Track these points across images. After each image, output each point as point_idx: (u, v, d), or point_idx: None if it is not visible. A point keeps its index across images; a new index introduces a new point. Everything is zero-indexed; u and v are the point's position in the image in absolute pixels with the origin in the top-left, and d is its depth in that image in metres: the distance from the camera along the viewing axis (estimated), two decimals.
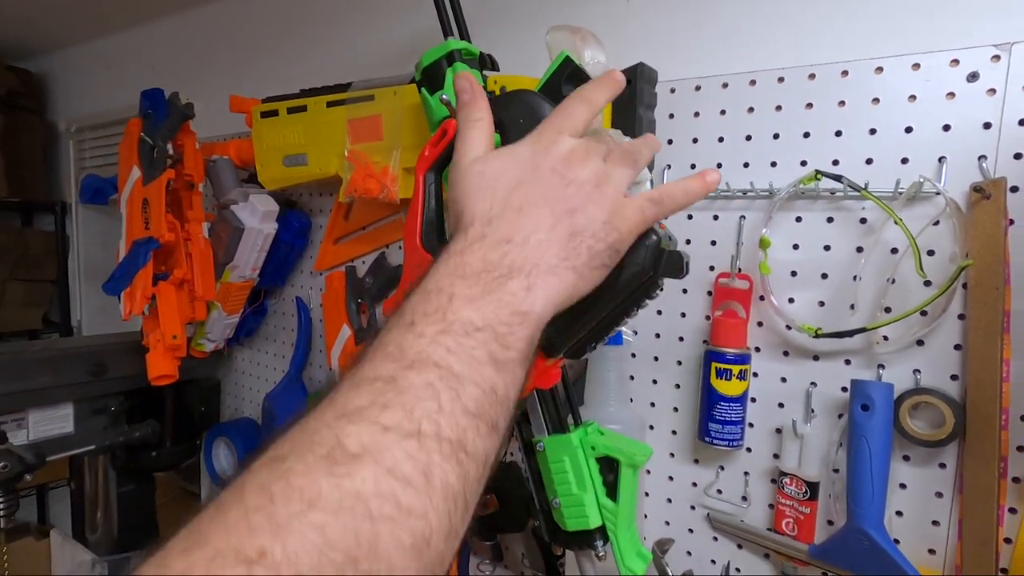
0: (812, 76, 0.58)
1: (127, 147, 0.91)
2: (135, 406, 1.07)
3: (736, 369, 0.60)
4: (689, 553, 0.68)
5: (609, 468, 0.53)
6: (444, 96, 0.50)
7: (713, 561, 0.66)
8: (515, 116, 0.47)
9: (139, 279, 0.84)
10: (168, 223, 0.84)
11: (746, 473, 0.64)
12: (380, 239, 0.92)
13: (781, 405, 0.61)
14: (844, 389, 0.58)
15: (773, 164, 0.60)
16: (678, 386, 0.68)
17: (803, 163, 0.59)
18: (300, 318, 1.02)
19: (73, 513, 1.22)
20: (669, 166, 0.65)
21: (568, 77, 0.53)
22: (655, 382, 0.69)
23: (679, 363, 0.67)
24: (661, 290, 0.43)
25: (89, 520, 1.09)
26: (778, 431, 0.62)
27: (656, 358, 0.69)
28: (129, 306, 0.85)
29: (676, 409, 0.68)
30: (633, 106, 0.58)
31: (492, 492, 0.77)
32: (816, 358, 0.59)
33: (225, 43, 1.21)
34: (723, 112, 0.62)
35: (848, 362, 0.58)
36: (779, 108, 0.59)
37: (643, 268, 0.41)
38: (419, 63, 0.61)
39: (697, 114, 0.64)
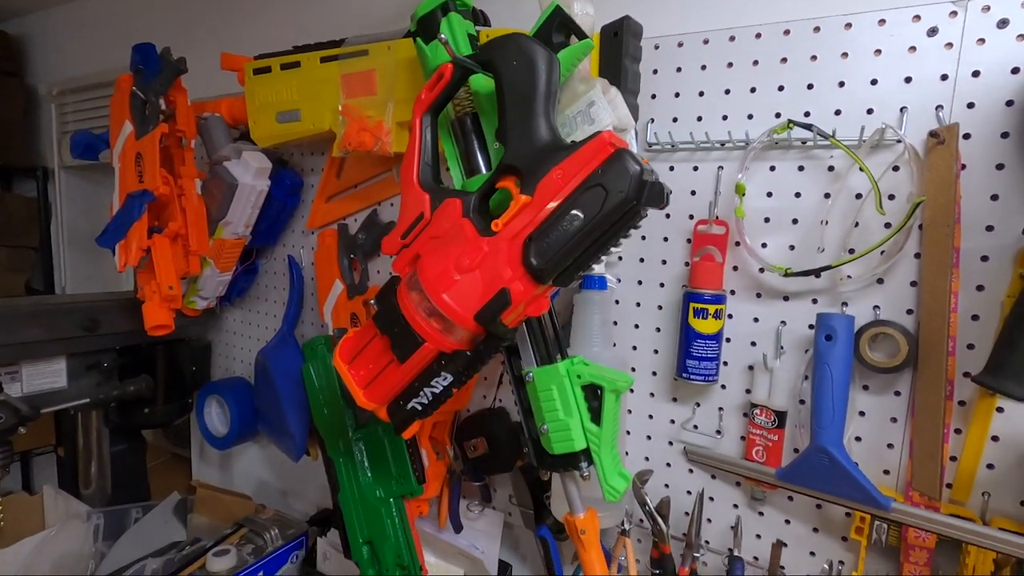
0: (787, 32, 0.61)
1: (118, 102, 0.91)
2: (127, 364, 1.08)
3: (712, 309, 0.64)
4: (667, 485, 0.73)
5: (593, 395, 0.57)
6: (443, 36, 0.53)
7: (688, 492, 0.71)
8: (509, 57, 0.50)
9: (134, 231, 0.85)
10: (162, 176, 0.85)
11: (720, 408, 0.68)
12: (372, 196, 0.94)
13: (753, 344, 0.66)
14: (811, 327, 0.62)
15: (750, 116, 0.64)
16: (658, 330, 0.72)
17: (777, 115, 0.62)
18: (292, 276, 1.04)
19: (63, 471, 1.24)
20: (652, 120, 0.68)
21: (558, 26, 0.56)
22: (637, 327, 0.73)
23: (660, 308, 0.71)
24: (644, 217, 0.47)
25: (83, 475, 1.11)
26: (750, 368, 0.66)
27: (638, 304, 0.73)
28: (124, 258, 0.86)
29: (656, 351, 0.72)
30: (619, 57, 0.61)
31: (482, 436, 0.81)
32: (786, 298, 0.64)
33: (210, 3, 1.21)
34: (704, 67, 0.66)
35: (815, 301, 0.62)
36: (756, 63, 0.63)
37: (627, 196, 0.44)
38: (414, 14, 0.63)
39: (679, 69, 0.67)
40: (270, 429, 1.02)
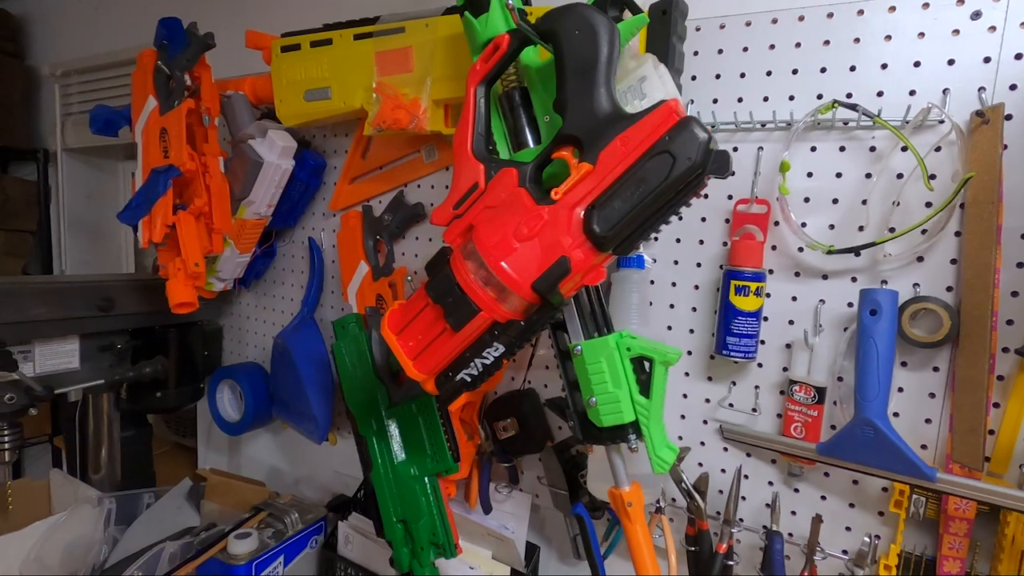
0: (830, 15, 0.62)
1: (141, 77, 0.90)
2: (139, 347, 1.07)
3: (753, 286, 0.65)
4: (700, 464, 0.73)
5: (641, 368, 0.57)
6: (510, 2, 0.52)
7: (723, 470, 0.72)
8: (571, 27, 0.50)
9: (159, 207, 0.84)
10: (188, 152, 0.84)
11: (756, 387, 0.69)
12: (398, 178, 0.93)
13: (791, 322, 0.67)
14: (850, 305, 0.63)
15: (791, 98, 0.65)
16: (694, 309, 0.72)
17: (819, 96, 0.64)
18: (313, 258, 1.03)
19: (70, 456, 1.21)
20: (692, 100, 0.69)
21: (613, 0, 0.56)
22: (672, 306, 0.74)
23: (696, 287, 0.72)
24: (706, 186, 0.47)
25: (92, 460, 1.08)
26: (788, 346, 0.67)
27: (674, 284, 0.73)
28: (148, 234, 0.85)
29: (692, 331, 0.73)
30: (667, 36, 0.62)
31: (513, 416, 0.81)
32: (825, 277, 0.65)
33: None
34: (745, 49, 0.67)
35: (854, 279, 0.63)
36: (798, 45, 0.64)
37: (695, 163, 0.45)
38: None
39: (721, 51, 0.68)
40: (289, 413, 1.01)
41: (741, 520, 0.71)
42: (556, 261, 0.50)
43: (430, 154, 0.90)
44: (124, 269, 1.74)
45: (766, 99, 0.66)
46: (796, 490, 0.68)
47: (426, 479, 0.73)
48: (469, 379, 0.57)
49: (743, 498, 0.71)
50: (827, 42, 0.63)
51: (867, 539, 0.61)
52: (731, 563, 0.67)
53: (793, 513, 0.68)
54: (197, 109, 0.90)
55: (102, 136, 0.95)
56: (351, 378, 0.78)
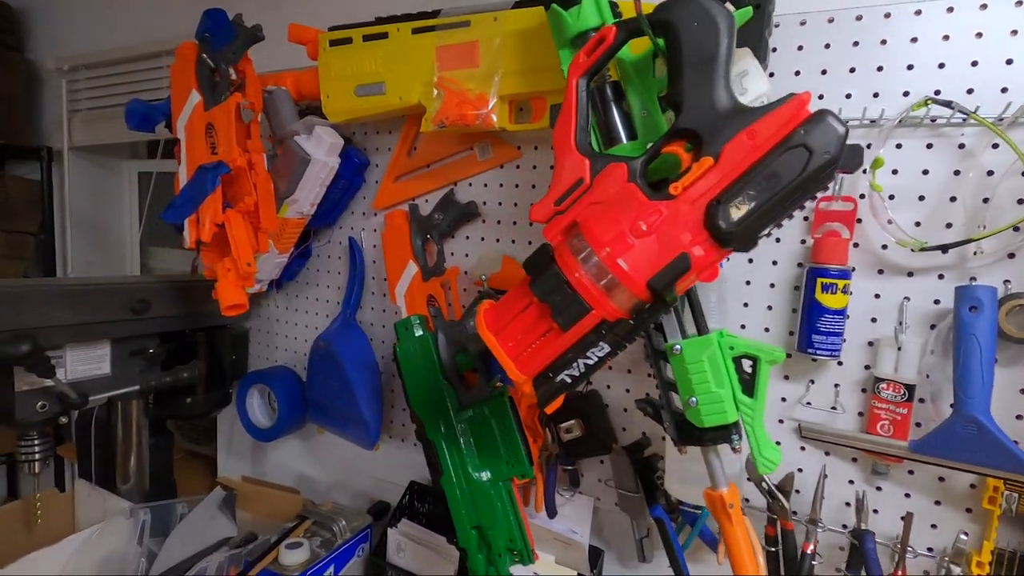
0: (918, 12, 0.62)
1: (182, 71, 0.87)
2: (170, 351, 1.02)
3: (841, 284, 0.64)
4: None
5: (742, 367, 0.56)
6: None
7: (800, 469, 0.71)
8: (690, 18, 0.49)
9: (207, 205, 0.81)
10: (239, 148, 0.81)
11: (836, 385, 0.69)
12: (448, 176, 0.91)
13: (874, 320, 0.66)
14: (936, 302, 0.63)
15: (875, 95, 0.65)
16: (770, 307, 0.72)
17: (905, 94, 0.63)
18: (354, 258, 1.00)
19: (83, 465, 1.16)
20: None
21: None
22: (746, 305, 0.73)
23: (772, 286, 0.71)
24: (833, 179, 0.47)
25: (121, 470, 1.04)
26: (870, 344, 0.67)
27: (748, 282, 0.73)
28: (195, 233, 0.82)
29: (767, 329, 0.72)
30: (760, 30, 0.61)
31: (578, 418, 0.80)
32: (910, 274, 0.65)
33: None
34: (828, 46, 0.66)
35: (941, 276, 0.63)
36: (884, 42, 0.64)
37: (833, 157, 0.44)
38: None
39: (801, 48, 0.68)
40: (331, 418, 0.98)
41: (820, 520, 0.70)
42: (676, 258, 0.49)
43: (484, 151, 0.88)
44: (129, 271, 1.68)
45: (848, 96, 0.66)
46: (879, 488, 0.68)
47: (500, 484, 0.71)
48: (570, 380, 0.56)
49: (822, 497, 0.70)
50: (915, 39, 0.63)
51: (964, 536, 0.61)
52: (814, 563, 0.67)
53: (875, 511, 0.68)
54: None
55: (139, 132, 0.91)
56: (416, 381, 0.75)
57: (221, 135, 0.82)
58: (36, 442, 0.89)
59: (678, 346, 0.57)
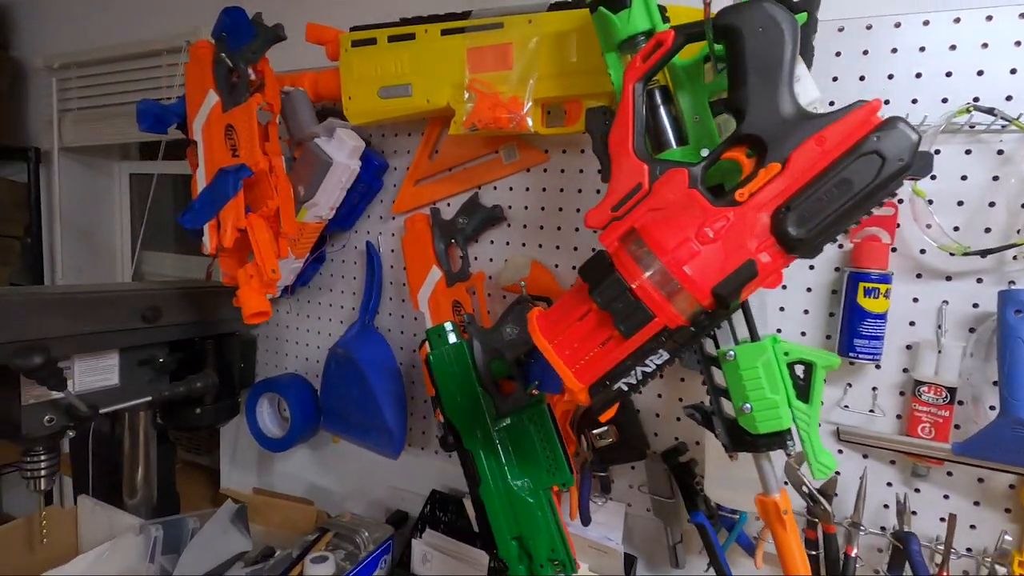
0: (957, 20, 0.63)
1: (198, 71, 0.84)
2: (179, 360, 0.99)
3: (883, 288, 0.65)
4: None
5: (797, 372, 0.56)
6: None
7: (838, 472, 0.72)
8: (755, 22, 0.49)
9: (229, 209, 0.78)
10: (262, 151, 0.79)
11: (874, 388, 0.69)
12: (472, 179, 0.90)
13: (912, 323, 0.67)
14: (975, 306, 0.64)
15: (914, 101, 0.65)
16: (807, 312, 0.72)
17: (943, 100, 0.64)
18: (373, 263, 0.98)
19: (78, 479, 1.12)
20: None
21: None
22: (782, 309, 0.73)
23: (808, 290, 0.72)
24: (900, 186, 0.47)
25: (127, 484, 1.00)
26: (908, 347, 0.68)
27: (784, 287, 0.73)
28: (215, 239, 0.79)
29: (804, 334, 0.73)
30: (809, 35, 0.62)
31: (612, 424, 0.79)
32: (948, 279, 0.65)
33: None
34: (866, 52, 0.67)
35: (980, 280, 0.64)
36: (922, 49, 0.65)
37: (906, 164, 0.44)
38: None
39: (839, 54, 0.68)
40: (350, 427, 0.96)
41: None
42: (742, 264, 0.49)
43: (510, 155, 0.87)
44: (120, 277, 1.63)
45: (887, 102, 0.67)
46: (917, 490, 0.68)
47: (541, 493, 0.70)
48: (626, 388, 0.55)
49: (864, 500, 0.71)
50: (953, 47, 0.64)
51: (1008, 536, 0.62)
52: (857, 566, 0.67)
53: (914, 513, 0.68)
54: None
55: (151, 134, 0.88)
56: (451, 389, 0.74)
57: (243, 137, 0.79)
58: (42, 457, 0.85)
59: (731, 352, 0.57)
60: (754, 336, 0.58)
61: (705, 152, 0.57)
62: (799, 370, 0.57)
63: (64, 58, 1.36)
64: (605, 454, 0.79)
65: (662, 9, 0.60)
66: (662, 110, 0.60)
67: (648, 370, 0.54)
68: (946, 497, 0.67)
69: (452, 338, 0.75)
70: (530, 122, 0.74)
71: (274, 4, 1.09)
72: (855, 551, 0.66)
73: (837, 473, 0.72)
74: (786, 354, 0.56)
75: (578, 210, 0.83)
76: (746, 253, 0.49)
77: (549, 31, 0.72)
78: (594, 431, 0.79)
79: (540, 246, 0.87)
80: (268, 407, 1.11)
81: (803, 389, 0.56)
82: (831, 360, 0.55)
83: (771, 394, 0.56)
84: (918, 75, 0.65)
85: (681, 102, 0.59)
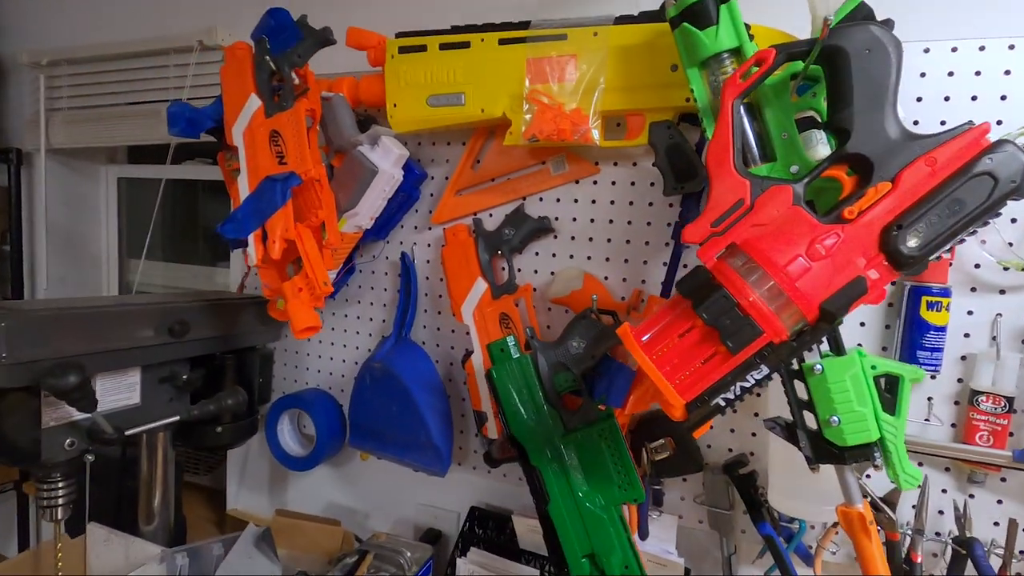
0: (1011, 47, 0.66)
1: (237, 73, 0.80)
2: (202, 377, 0.94)
3: (945, 302, 0.67)
4: (868, 476, 0.75)
5: (884, 386, 0.57)
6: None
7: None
8: (863, 44, 0.50)
9: (277, 219, 0.74)
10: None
11: (929, 398, 0.72)
12: (516, 190, 0.89)
13: (967, 335, 0.70)
14: None
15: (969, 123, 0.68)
16: (863, 324, 0.74)
17: (998, 122, 0.67)
18: (409, 274, 0.95)
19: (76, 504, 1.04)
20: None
21: (861, 20, 0.57)
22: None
23: None
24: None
25: (144, 509, 0.94)
26: (963, 358, 0.70)
27: None
28: (261, 250, 0.75)
29: (860, 345, 0.74)
30: None
31: (669, 436, 0.79)
32: (1002, 292, 0.68)
33: None
34: (923, 75, 0.69)
35: None
36: (978, 74, 0.67)
37: (1018, 185, 0.46)
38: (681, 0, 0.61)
39: (923, 75, 0.69)
40: (389, 445, 0.92)
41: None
42: (852, 281, 0.50)
43: (559, 166, 0.86)
44: (106, 288, 1.54)
45: (943, 123, 0.69)
46: (971, 496, 0.71)
47: (612, 509, 0.69)
48: (724, 403, 0.55)
49: (913, 506, 0.73)
50: (1008, 72, 0.67)
51: None
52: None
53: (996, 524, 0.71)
54: None
55: (183, 138, 0.83)
56: (515, 405, 0.72)
57: (291, 144, 0.76)
58: (60, 484, 0.78)
59: (819, 366, 0.57)
60: (840, 350, 0.59)
61: (794, 169, 0.58)
62: (885, 383, 0.58)
63: (54, 54, 1.28)
64: (662, 467, 0.79)
65: (746, 27, 0.61)
66: (748, 127, 0.61)
67: (747, 385, 0.54)
68: (999, 502, 0.70)
69: (515, 353, 0.73)
70: (596, 135, 0.73)
71: (305, 6, 1.06)
72: (920, 557, 0.68)
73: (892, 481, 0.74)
74: (873, 367, 0.57)
75: (629, 222, 0.83)
76: (855, 270, 0.50)
77: (615, 44, 0.72)
78: (651, 444, 0.79)
79: (589, 258, 0.86)
80: (288, 424, 1.07)
81: (889, 402, 0.57)
82: (917, 373, 0.57)
83: (859, 407, 0.56)
84: (973, 98, 0.68)
85: (768, 119, 0.60)
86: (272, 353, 1.11)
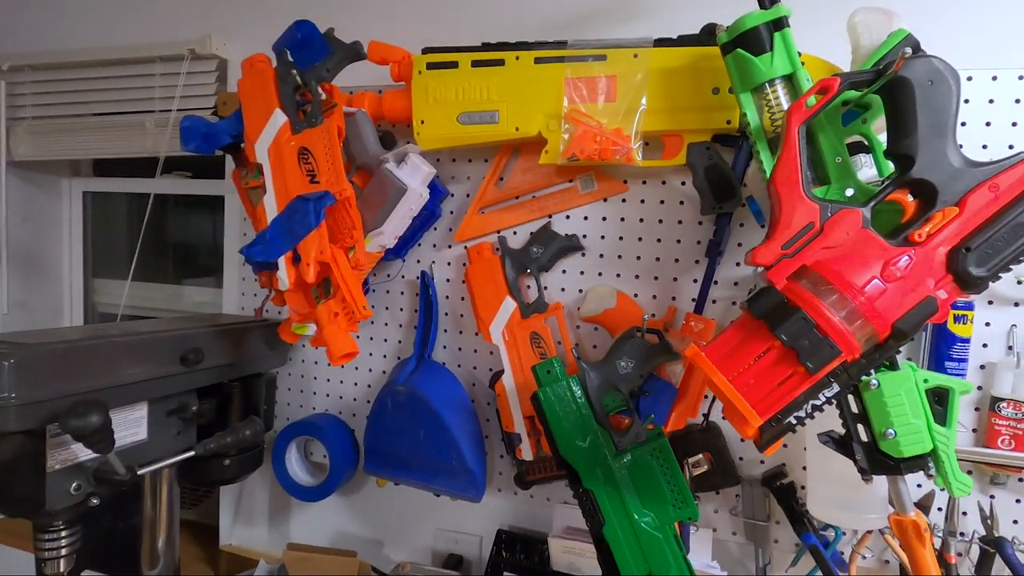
0: None
1: (258, 87, 0.76)
2: (214, 408, 0.88)
3: (970, 315, 0.71)
4: None
5: (934, 399, 0.60)
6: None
7: (919, 485, 0.77)
8: (924, 77, 0.53)
9: (311, 241, 0.71)
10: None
11: None
12: (543, 208, 0.88)
13: (985, 345, 0.74)
14: None
15: (1010, 147, 0.72)
16: None
17: (1010, 146, 0.72)
18: (430, 293, 0.93)
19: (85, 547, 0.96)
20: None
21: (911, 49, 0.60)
22: None
23: None
24: None
25: (147, 551, 0.86)
26: (982, 367, 0.75)
27: None
28: (293, 274, 0.71)
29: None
30: None
31: (706, 451, 0.80)
32: (1016, 304, 0.73)
33: None
34: (991, 101, 0.73)
35: None
36: (1018, 101, 0.71)
37: None
38: (735, 26, 0.63)
39: (967, 101, 0.72)
40: (415, 470, 0.89)
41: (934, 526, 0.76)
42: (923, 301, 0.52)
43: (587, 184, 0.86)
44: (68, 314, 1.42)
45: (984, 147, 0.73)
46: (992, 497, 0.75)
47: (667, 528, 0.69)
48: (795, 421, 0.56)
49: (939, 508, 0.77)
50: None
51: None
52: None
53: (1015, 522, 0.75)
54: None
55: (198, 153, 0.78)
56: (565, 428, 0.71)
57: (323, 161, 0.72)
58: (63, 533, 0.71)
59: (875, 381, 0.60)
60: (894, 365, 0.61)
61: (849, 192, 0.60)
62: (937, 396, 0.61)
63: (16, 59, 1.18)
64: (700, 482, 0.80)
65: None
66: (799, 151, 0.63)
67: (818, 403, 0.56)
68: (1018, 501, 0.74)
69: (562, 373, 0.73)
70: (639, 155, 0.74)
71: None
72: (954, 558, 0.72)
73: (919, 485, 0.78)
74: (925, 381, 0.60)
75: (658, 240, 0.84)
76: (925, 290, 0.52)
77: (656, 66, 0.73)
78: (688, 459, 0.80)
79: (618, 275, 0.87)
80: (296, 452, 1.02)
81: (940, 414, 0.60)
82: (966, 386, 0.60)
83: (914, 419, 0.59)
84: (1014, 124, 0.72)
85: (823, 144, 0.62)
86: (275, 378, 1.05)
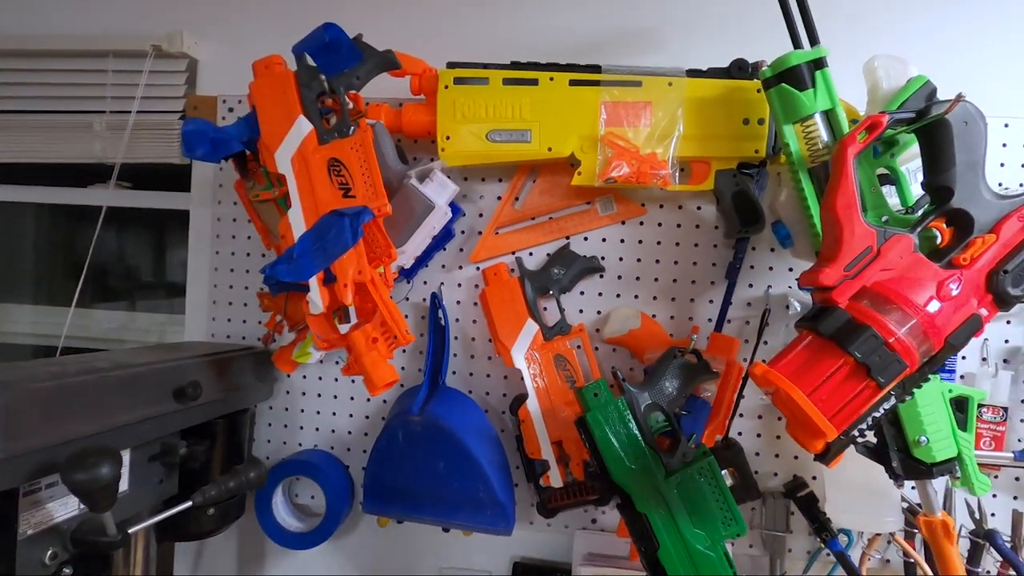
0: None
1: (277, 92, 0.69)
2: (204, 451, 0.77)
3: None
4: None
5: (956, 407, 0.67)
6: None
7: (913, 487, 0.84)
8: (960, 119, 0.59)
9: (348, 260, 0.65)
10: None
11: None
12: (560, 230, 0.88)
13: (964, 357, 0.84)
14: (1007, 341, 0.83)
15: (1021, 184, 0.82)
16: None
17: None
18: (441, 317, 0.88)
19: None
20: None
21: (926, 98, 0.67)
22: None
23: None
24: None
25: None
26: (962, 377, 0.84)
27: None
28: (327, 296, 0.65)
29: None
30: None
31: (730, 467, 0.82)
32: None
33: None
34: (1004, 145, 0.82)
35: (1008, 322, 0.83)
36: None
37: None
38: (778, 63, 0.67)
39: (1004, 144, 0.82)
40: (430, 507, 0.82)
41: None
42: (970, 318, 0.58)
43: (606, 207, 0.87)
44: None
45: (1022, 185, 0.82)
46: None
47: (718, 547, 0.70)
48: (857, 434, 0.59)
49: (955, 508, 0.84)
50: None
51: None
52: None
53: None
54: None
55: (203, 161, 0.69)
56: (615, 451, 0.70)
57: (358, 174, 0.67)
58: None
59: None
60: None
61: (884, 219, 0.66)
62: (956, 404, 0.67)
63: None
64: None
65: None
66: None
67: (876, 415, 0.59)
68: (994, 496, 0.84)
69: (610, 397, 0.72)
70: (675, 180, 0.76)
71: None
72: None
73: (912, 487, 0.85)
74: (949, 391, 0.66)
75: (676, 262, 0.87)
76: (971, 308, 0.58)
77: (691, 96, 0.76)
78: None
79: (636, 296, 0.88)
80: (281, 495, 0.92)
81: (961, 420, 0.66)
82: (982, 394, 0.67)
83: (944, 426, 0.65)
84: None
85: (860, 175, 0.67)
86: (255, 414, 0.94)
